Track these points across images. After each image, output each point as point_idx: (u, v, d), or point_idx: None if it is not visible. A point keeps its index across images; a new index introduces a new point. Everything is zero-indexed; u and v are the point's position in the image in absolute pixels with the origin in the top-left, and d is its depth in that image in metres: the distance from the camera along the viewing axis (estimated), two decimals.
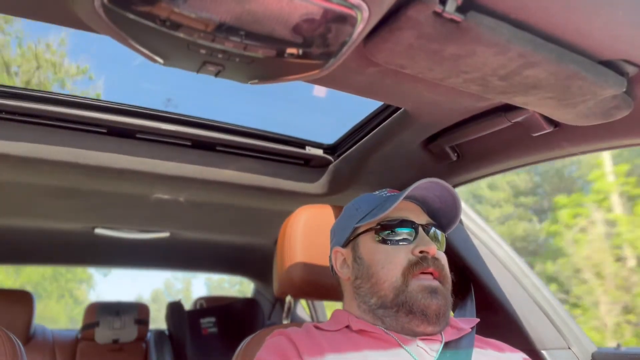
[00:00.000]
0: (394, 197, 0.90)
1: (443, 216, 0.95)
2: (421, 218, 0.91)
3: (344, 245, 0.96)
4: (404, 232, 0.88)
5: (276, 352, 0.84)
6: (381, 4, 0.56)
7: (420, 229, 0.89)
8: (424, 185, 0.89)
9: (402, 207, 0.91)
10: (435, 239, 0.90)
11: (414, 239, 0.88)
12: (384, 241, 0.88)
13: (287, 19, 0.56)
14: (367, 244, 0.91)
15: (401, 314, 0.84)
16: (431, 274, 0.85)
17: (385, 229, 0.89)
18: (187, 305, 2.68)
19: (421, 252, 0.86)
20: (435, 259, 0.86)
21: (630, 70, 0.73)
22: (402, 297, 0.83)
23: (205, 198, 1.59)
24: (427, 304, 0.82)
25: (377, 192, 0.98)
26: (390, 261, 0.86)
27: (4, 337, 0.94)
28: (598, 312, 9.31)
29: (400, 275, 0.85)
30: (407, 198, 0.92)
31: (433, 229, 0.91)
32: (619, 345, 1.20)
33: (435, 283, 0.85)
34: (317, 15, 0.55)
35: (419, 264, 0.85)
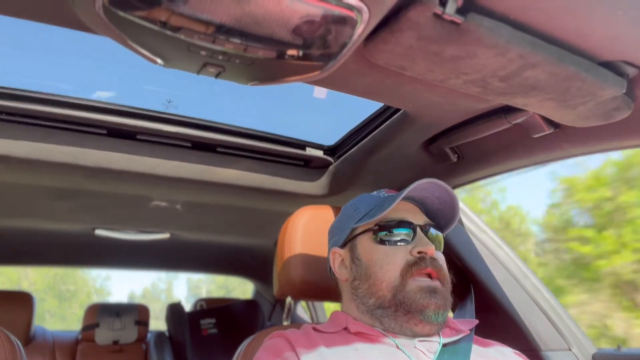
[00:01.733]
0: (392, 197, 0.90)
1: (442, 217, 0.95)
2: (419, 218, 0.91)
3: (342, 246, 0.96)
4: (402, 233, 0.88)
5: (274, 353, 0.84)
6: (381, 5, 0.56)
7: (418, 229, 0.89)
8: (423, 186, 0.89)
9: (401, 208, 0.91)
10: (433, 239, 0.90)
11: (412, 239, 0.88)
12: (382, 242, 0.88)
13: (287, 21, 0.56)
14: (365, 245, 0.91)
15: (399, 314, 0.84)
16: (430, 274, 0.85)
17: (383, 230, 0.89)
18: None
19: (419, 252, 0.86)
20: (433, 259, 0.86)
21: (630, 71, 0.73)
22: (400, 296, 0.83)
23: (205, 199, 1.59)
24: (426, 304, 0.82)
25: (375, 193, 0.98)
26: (389, 262, 0.86)
27: (3, 338, 0.94)
28: None
29: (398, 276, 0.85)
30: (406, 198, 0.92)
31: (431, 229, 0.91)
32: (619, 347, 1.20)
33: (434, 283, 0.85)
34: (317, 17, 0.56)
35: (417, 264, 0.85)
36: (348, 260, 0.93)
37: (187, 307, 2.72)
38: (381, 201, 0.93)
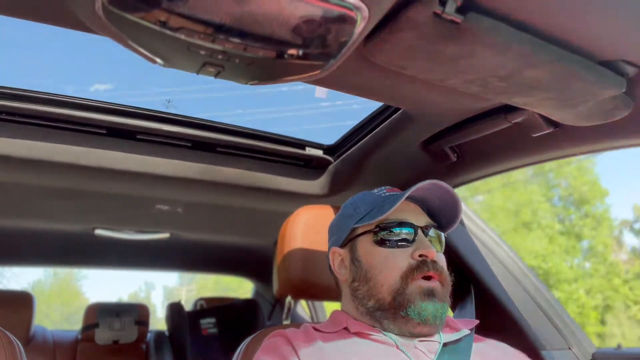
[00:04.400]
0: (393, 197, 0.89)
1: (443, 216, 0.94)
2: (420, 219, 0.91)
3: (342, 246, 0.95)
4: (402, 233, 0.88)
5: (274, 353, 0.83)
6: (381, 4, 0.56)
7: (419, 231, 0.88)
8: (424, 186, 0.88)
9: (401, 208, 0.90)
10: (434, 240, 0.90)
11: (413, 241, 0.87)
12: (382, 243, 0.88)
13: (287, 20, 0.56)
14: (365, 246, 0.90)
15: (399, 316, 0.83)
16: (430, 277, 0.85)
17: (384, 231, 0.88)
18: None
19: (420, 255, 0.85)
20: (434, 262, 0.86)
21: (630, 70, 0.73)
22: (400, 299, 0.83)
23: (205, 199, 1.59)
24: (425, 307, 0.82)
25: (375, 191, 0.97)
26: (389, 265, 0.86)
27: (3, 339, 0.94)
28: None
29: (399, 279, 0.84)
30: (407, 198, 0.92)
31: (432, 229, 0.91)
32: (619, 346, 1.20)
33: (434, 283, 0.84)
34: (316, 17, 0.56)
35: (419, 268, 0.84)
36: (348, 261, 0.93)
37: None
38: (381, 201, 0.92)
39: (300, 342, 0.84)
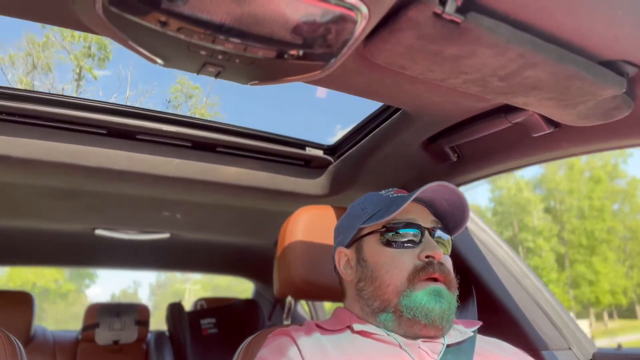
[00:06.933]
0: (401, 199, 0.89)
1: (450, 219, 0.93)
2: (427, 220, 0.90)
3: (348, 246, 0.95)
4: (409, 234, 0.87)
5: (279, 352, 0.83)
6: (381, 4, 0.56)
7: (426, 232, 0.88)
8: (432, 188, 0.87)
9: (409, 209, 0.89)
10: (441, 241, 0.90)
11: (420, 242, 0.87)
12: (389, 243, 0.87)
13: (287, 20, 0.56)
14: (372, 246, 0.90)
15: (404, 319, 0.83)
16: (437, 279, 0.84)
17: (391, 231, 0.88)
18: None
19: (427, 256, 0.85)
20: (440, 264, 0.85)
21: (630, 70, 0.74)
22: (407, 301, 0.83)
23: (205, 199, 1.59)
24: (432, 309, 0.81)
25: (383, 192, 0.97)
26: (396, 266, 0.85)
27: (4, 339, 0.94)
28: None
29: (405, 280, 0.84)
30: (414, 199, 0.91)
31: (439, 231, 0.90)
32: (619, 346, 1.20)
33: (441, 286, 0.84)
34: (317, 16, 0.56)
35: (425, 269, 0.84)
36: (354, 261, 0.93)
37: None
38: (389, 202, 0.91)
39: (304, 341, 0.84)
